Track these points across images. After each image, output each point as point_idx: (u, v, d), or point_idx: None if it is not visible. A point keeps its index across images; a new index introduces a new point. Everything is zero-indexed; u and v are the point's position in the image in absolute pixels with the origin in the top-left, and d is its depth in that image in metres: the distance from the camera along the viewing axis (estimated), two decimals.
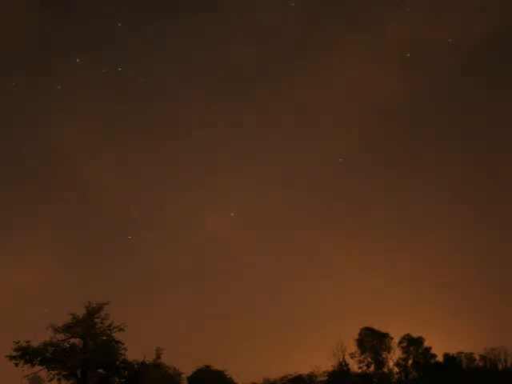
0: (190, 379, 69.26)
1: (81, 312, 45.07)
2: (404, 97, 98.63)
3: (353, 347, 75.65)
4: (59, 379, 43.81)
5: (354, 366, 75.43)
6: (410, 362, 75.95)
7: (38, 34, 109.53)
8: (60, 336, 44.14)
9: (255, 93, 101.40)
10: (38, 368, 43.73)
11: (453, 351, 76.50)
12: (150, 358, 48.11)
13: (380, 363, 75.37)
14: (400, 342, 76.17)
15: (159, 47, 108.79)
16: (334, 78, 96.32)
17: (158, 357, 48.19)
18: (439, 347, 76.24)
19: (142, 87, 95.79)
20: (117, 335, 45.63)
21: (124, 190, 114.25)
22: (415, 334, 76.31)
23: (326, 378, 74.87)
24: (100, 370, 45.43)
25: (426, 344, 75.91)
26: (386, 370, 75.64)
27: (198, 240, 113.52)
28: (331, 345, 74.61)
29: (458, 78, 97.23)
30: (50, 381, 44.10)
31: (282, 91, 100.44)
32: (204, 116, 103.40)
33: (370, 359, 75.24)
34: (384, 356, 75.63)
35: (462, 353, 76.72)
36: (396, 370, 75.94)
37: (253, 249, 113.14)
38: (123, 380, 46.84)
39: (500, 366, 75.25)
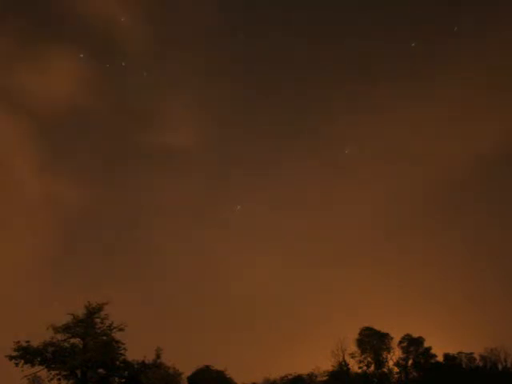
0: (190, 379, 69.21)
1: (81, 312, 45.24)
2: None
3: (353, 347, 75.70)
4: (59, 379, 43.88)
5: (354, 366, 75.46)
6: (410, 361, 75.83)
7: None
8: (60, 336, 44.24)
9: None
10: (38, 368, 43.85)
11: (453, 351, 76.57)
12: (150, 358, 48.31)
13: (380, 363, 75.24)
14: (400, 342, 76.07)
15: None
16: None
17: (158, 357, 48.30)
18: (439, 347, 76.30)
19: None
20: (117, 335, 45.79)
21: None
22: (415, 334, 76.37)
23: (326, 377, 74.83)
24: (100, 370, 45.42)
25: (426, 344, 75.94)
26: (386, 369, 75.50)
27: (199, 242, 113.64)
28: (331, 345, 74.70)
29: None
30: (50, 381, 44.14)
31: None
32: None
33: (370, 359, 75.11)
34: (384, 356, 75.52)
35: (462, 353, 76.62)
36: (396, 369, 75.84)
37: (253, 249, 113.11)
38: (123, 380, 46.83)
39: (500, 366, 75.14)
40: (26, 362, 43.37)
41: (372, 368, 75.18)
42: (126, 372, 46.59)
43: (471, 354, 76.69)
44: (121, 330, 45.77)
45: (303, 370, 76.24)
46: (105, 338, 44.85)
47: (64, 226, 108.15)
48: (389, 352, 75.66)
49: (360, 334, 76.04)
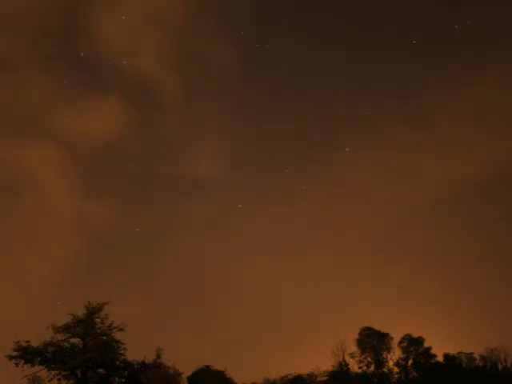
0: (190, 379, 69.17)
1: (81, 312, 45.23)
2: None
3: (353, 347, 75.68)
4: (59, 379, 43.87)
5: (354, 366, 75.44)
6: (410, 362, 75.81)
7: None
8: (60, 336, 44.22)
9: None
10: (38, 368, 43.83)
11: (453, 351, 76.56)
12: (150, 358, 48.27)
13: (380, 363, 75.21)
14: (400, 342, 76.06)
15: None
16: None
17: (158, 357, 48.26)
18: (439, 347, 76.30)
19: None
20: (117, 335, 45.78)
21: None
22: (415, 334, 76.36)
23: (326, 377, 74.80)
24: (100, 370, 45.41)
25: (426, 344, 75.94)
26: (386, 369, 75.47)
27: (199, 242, 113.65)
28: (331, 345, 74.69)
29: None
30: (50, 381, 44.13)
31: None
32: None
33: (370, 359, 75.09)
34: (384, 356, 75.49)
35: (462, 353, 76.60)
36: (396, 369, 75.81)
37: (253, 249, 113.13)
38: (123, 380, 46.80)
39: (500, 366, 75.11)
40: (26, 362, 43.36)
41: (372, 368, 75.17)
42: (126, 372, 46.56)
43: (471, 354, 76.73)
44: (121, 330, 45.79)
45: (303, 369, 76.37)
46: (105, 338, 44.84)
47: (73, 236, 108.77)
48: (389, 352, 75.66)
49: (360, 334, 76.03)
